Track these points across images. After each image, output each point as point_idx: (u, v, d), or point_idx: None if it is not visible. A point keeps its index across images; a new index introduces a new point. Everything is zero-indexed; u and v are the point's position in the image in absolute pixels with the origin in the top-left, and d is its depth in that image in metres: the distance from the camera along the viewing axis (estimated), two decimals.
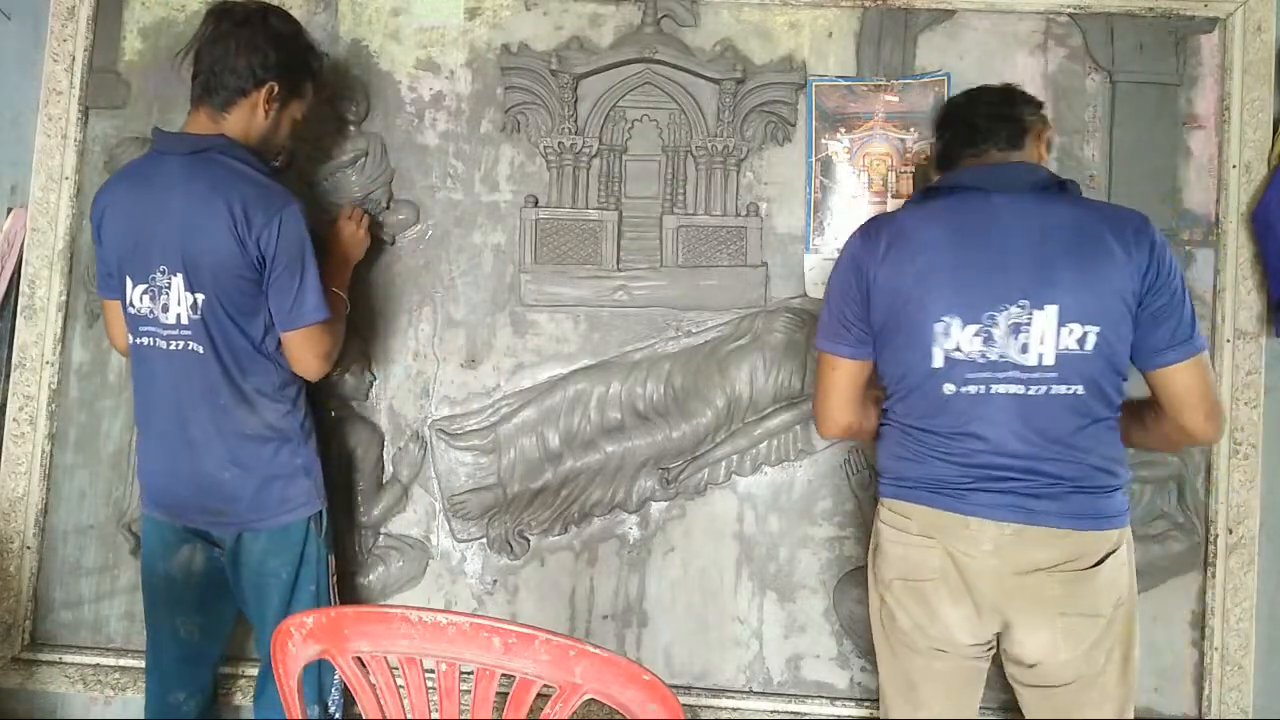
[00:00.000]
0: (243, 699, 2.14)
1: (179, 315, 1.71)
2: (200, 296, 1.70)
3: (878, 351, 1.63)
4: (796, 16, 2.17)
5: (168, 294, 1.71)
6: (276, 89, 1.76)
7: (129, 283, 1.74)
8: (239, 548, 1.80)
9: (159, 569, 1.82)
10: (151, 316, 1.73)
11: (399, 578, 2.17)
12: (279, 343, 1.78)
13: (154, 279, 1.71)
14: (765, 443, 2.14)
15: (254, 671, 2.13)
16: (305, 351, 1.76)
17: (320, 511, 1.85)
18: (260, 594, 1.81)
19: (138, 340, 1.77)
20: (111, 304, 1.85)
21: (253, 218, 1.67)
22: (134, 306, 1.75)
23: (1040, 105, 1.69)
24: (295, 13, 2.17)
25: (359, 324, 2.12)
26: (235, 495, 1.76)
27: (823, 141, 2.15)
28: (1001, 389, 1.51)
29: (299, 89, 1.83)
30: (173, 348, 1.73)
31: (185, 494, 1.77)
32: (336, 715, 1.87)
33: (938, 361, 1.54)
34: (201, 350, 1.72)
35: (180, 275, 1.69)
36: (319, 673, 1.83)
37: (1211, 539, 2.07)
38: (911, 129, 2.13)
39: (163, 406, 1.76)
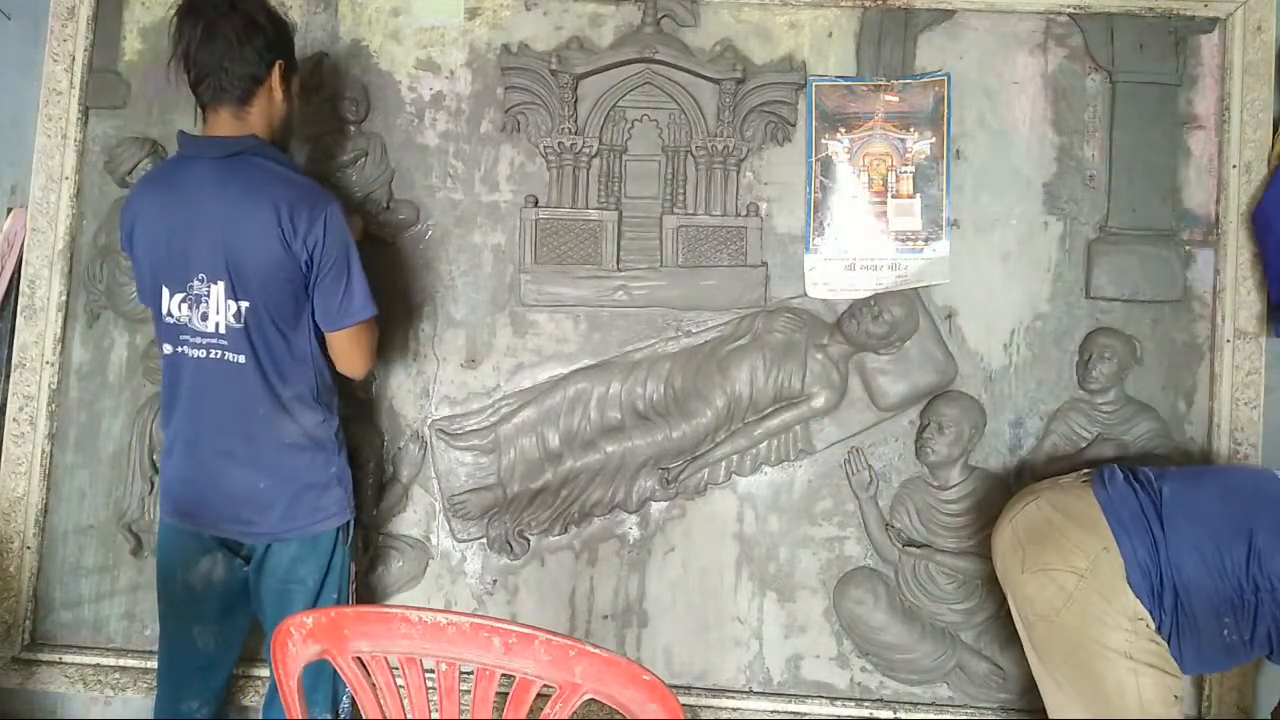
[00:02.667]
0: (246, 699, 2.14)
1: (217, 324, 1.69)
2: (245, 304, 1.68)
3: None
4: (796, 16, 2.17)
5: (206, 302, 1.68)
6: (284, 66, 1.75)
7: (165, 292, 1.71)
8: (267, 555, 1.78)
9: (177, 578, 1.80)
10: (190, 325, 1.70)
11: (399, 578, 2.17)
12: (321, 346, 1.78)
13: (191, 287, 1.68)
14: (765, 443, 2.14)
15: (260, 672, 2.13)
16: (353, 348, 1.77)
17: (349, 521, 1.85)
18: (283, 601, 1.78)
19: (177, 350, 1.73)
20: None
21: (298, 220, 1.65)
22: (172, 316, 1.71)
23: None
24: (295, 13, 2.19)
25: None
26: (270, 505, 1.74)
27: (823, 141, 2.15)
28: None
29: (295, 61, 1.82)
30: (211, 356, 1.70)
31: (217, 503, 1.74)
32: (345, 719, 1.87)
33: None
34: (242, 360, 1.70)
35: (222, 283, 1.67)
36: (333, 683, 1.81)
37: None
38: (911, 129, 2.13)
39: (197, 416, 1.74)
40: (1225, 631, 1.59)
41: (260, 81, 1.71)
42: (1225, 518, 1.60)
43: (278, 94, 1.75)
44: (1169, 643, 1.62)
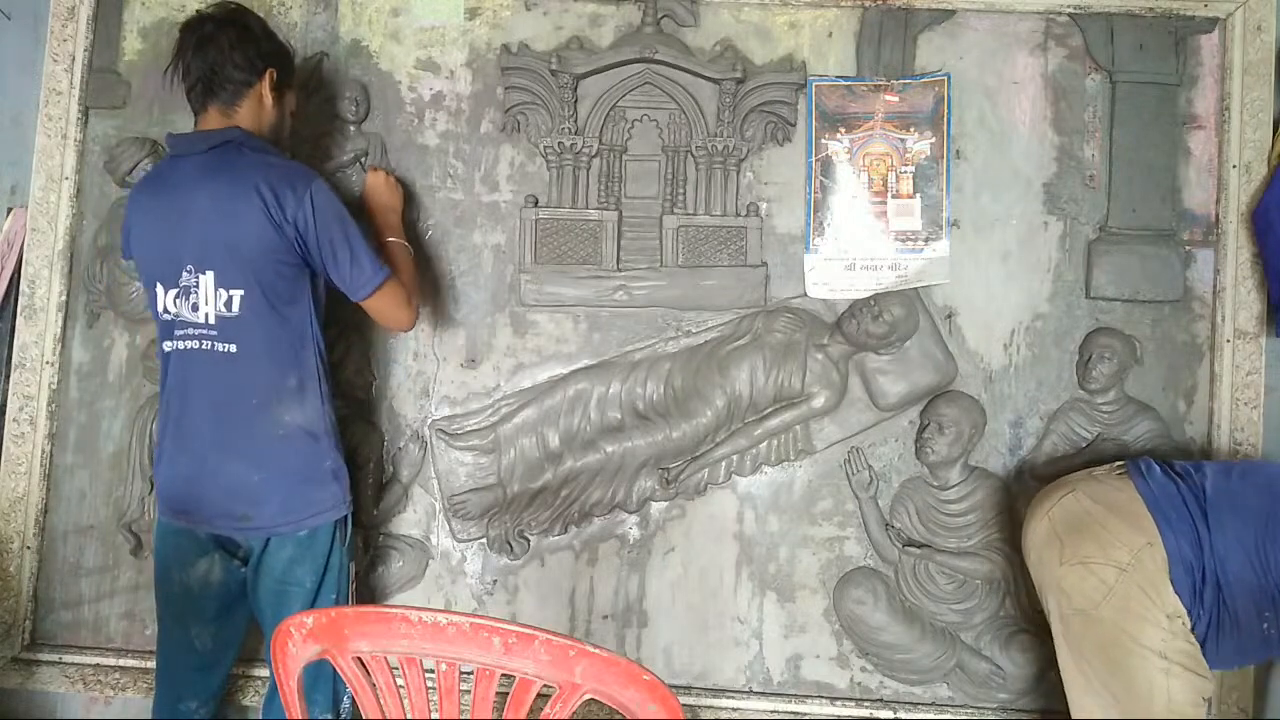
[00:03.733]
0: (246, 699, 2.14)
1: (208, 314, 1.70)
2: (238, 292, 1.69)
3: None
4: (796, 16, 2.17)
5: (196, 293, 1.70)
6: (276, 75, 1.80)
7: (160, 289, 1.73)
8: (264, 554, 1.78)
9: (175, 578, 1.80)
10: (181, 319, 1.72)
11: (399, 578, 2.17)
12: (322, 333, 1.81)
13: (181, 280, 1.71)
14: (765, 443, 2.14)
15: (259, 672, 2.13)
16: (387, 308, 1.81)
17: (345, 516, 1.84)
18: (280, 601, 1.78)
19: (176, 345, 1.74)
20: None
21: (284, 200, 1.68)
22: (168, 312, 1.73)
23: None
24: (295, 13, 2.20)
25: (359, 322, 2.11)
26: (264, 498, 1.74)
27: (823, 141, 2.15)
28: None
29: (290, 77, 1.88)
30: (202, 348, 1.72)
31: (212, 499, 1.75)
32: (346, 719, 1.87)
33: None
34: (234, 349, 1.71)
35: (211, 272, 1.69)
36: (334, 683, 1.81)
37: None
38: (911, 129, 2.13)
39: (188, 409, 1.75)
40: (1265, 626, 1.58)
41: (249, 85, 1.77)
42: (1271, 514, 1.58)
43: (267, 100, 1.80)
44: (1207, 638, 1.60)
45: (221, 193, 1.68)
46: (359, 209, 1.93)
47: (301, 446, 1.77)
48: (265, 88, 1.78)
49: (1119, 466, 1.78)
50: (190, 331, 1.72)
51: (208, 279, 1.69)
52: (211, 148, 1.71)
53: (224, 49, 1.73)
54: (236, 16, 1.77)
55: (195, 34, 1.74)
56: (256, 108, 1.78)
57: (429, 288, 2.18)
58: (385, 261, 1.80)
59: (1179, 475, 1.68)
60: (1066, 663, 1.70)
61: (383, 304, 1.80)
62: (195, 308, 1.71)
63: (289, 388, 1.75)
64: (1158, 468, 1.71)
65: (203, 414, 1.74)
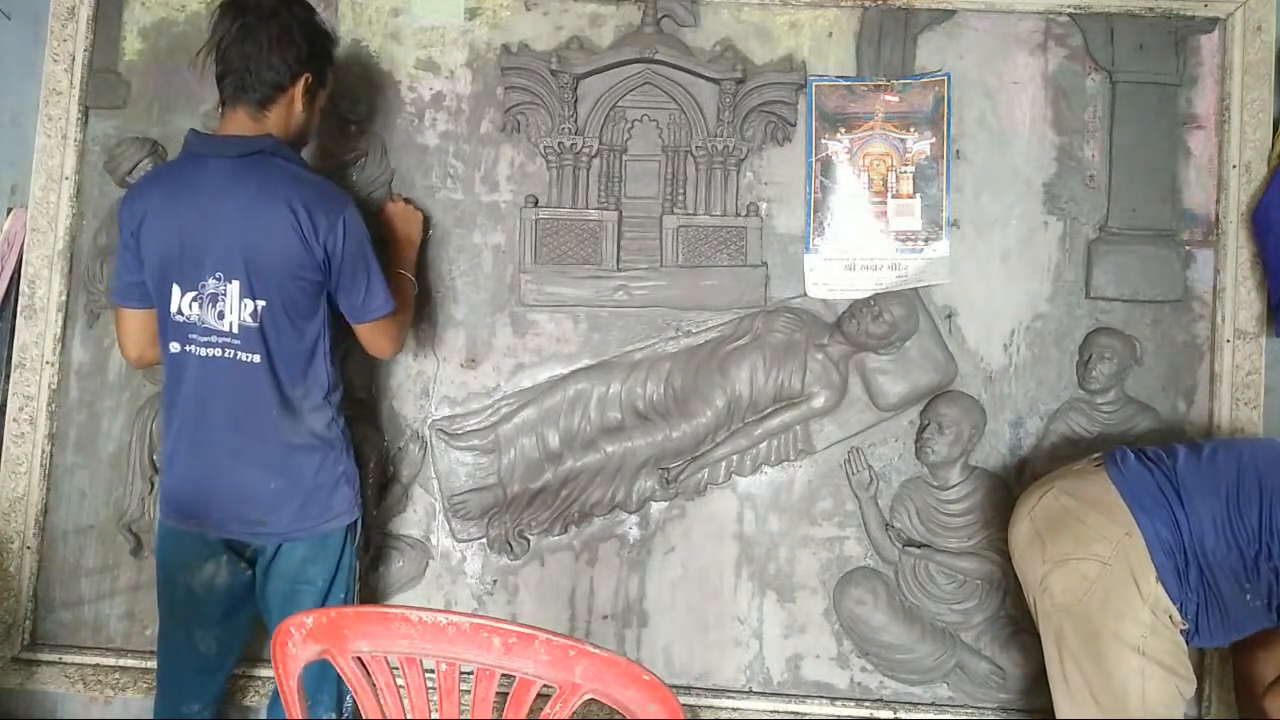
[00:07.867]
0: (248, 699, 2.14)
1: (232, 323, 1.69)
2: (261, 303, 1.68)
3: None
4: (796, 16, 2.17)
5: (223, 301, 1.68)
6: (310, 80, 1.76)
7: (176, 290, 1.70)
8: (276, 556, 1.78)
9: (179, 582, 1.79)
10: (202, 325, 1.70)
11: (399, 578, 2.17)
12: (331, 344, 1.80)
13: (204, 286, 1.68)
14: (765, 443, 2.14)
15: (262, 672, 2.13)
16: (378, 338, 1.85)
17: (357, 519, 1.85)
18: (291, 601, 1.77)
19: (184, 349, 1.72)
20: (131, 313, 1.81)
21: (317, 220, 1.67)
22: (181, 314, 1.71)
23: None
24: None
25: None
26: (280, 505, 1.74)
27: (823, 141, 2.15)
28: None
29: (326, 76, 1.84)
30: (225, 356, 1.70)
31: (225, 505, 1.74)
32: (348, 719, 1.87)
33: None
34: (257, 359, 1.70)
35: (238, 281, 1.67)
36: (338, 683, 1.80)
37: None
38: (911, 129, 2.13)
39: (205, 416, 1.73)
40: (1248, 597, 1.59)
41: (282, 90, 1.73)
42: (1238, 486, 1.59)
43: (298, 105, 1.76)
44: (1199, 619, 1.61)
45: (251, 204, 1.66)
46: (377, 233, 1.91)
47: (316, 455, 1.77)
48: (297, 92, 1.74)
49: (1096, 459, 1.79)
50: (214, 339, 1.70)
51: (234, 288, 1.68)
52: (243, 155, 1.68)
53: (262, 47, 1.67)
54: (279, 10, 1.70)
55: (235, 22, 1.68)
56: (285, 113, 1.74)
57: (427, 291, 2.17)
58: (394, 294, 1.82)
59: (1152, 461, 1.69)
60: (1051, 662, 1.71)
61: (377, 334, 1.83)
62: (221, 315, 1.69)
63: (305, 397, 1.76)
64: (1132, 455, 1.72)
65: (220, 421, 1.72)
